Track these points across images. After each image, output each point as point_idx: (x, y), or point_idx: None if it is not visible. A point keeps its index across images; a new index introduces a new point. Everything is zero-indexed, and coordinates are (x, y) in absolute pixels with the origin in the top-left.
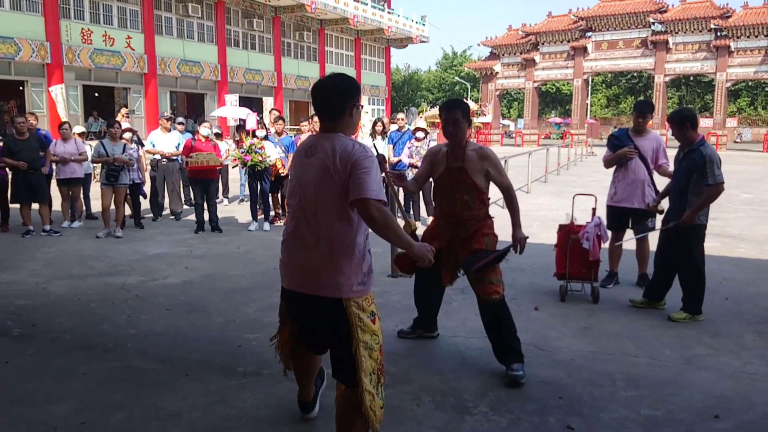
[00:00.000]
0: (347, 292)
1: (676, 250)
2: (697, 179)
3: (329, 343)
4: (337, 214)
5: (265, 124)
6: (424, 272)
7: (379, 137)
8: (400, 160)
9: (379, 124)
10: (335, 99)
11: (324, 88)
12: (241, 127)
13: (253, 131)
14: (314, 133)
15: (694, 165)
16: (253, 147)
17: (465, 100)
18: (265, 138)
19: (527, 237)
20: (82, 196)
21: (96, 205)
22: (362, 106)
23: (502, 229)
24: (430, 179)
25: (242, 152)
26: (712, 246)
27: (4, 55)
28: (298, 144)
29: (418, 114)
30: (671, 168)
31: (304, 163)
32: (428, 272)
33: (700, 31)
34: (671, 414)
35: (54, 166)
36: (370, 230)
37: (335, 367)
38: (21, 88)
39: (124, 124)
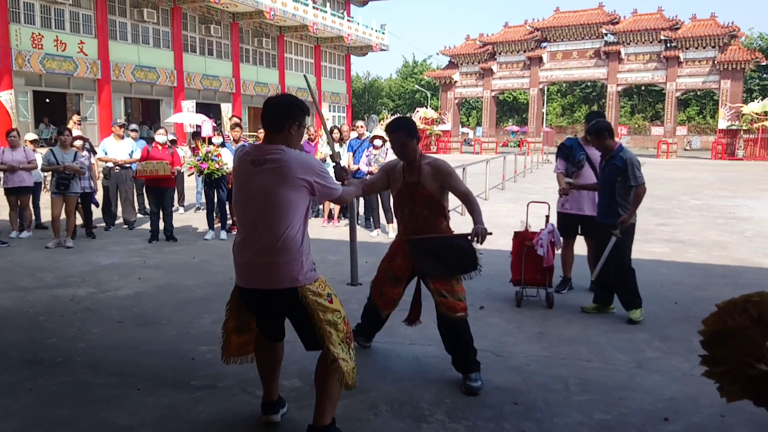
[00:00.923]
0: (302, 281)
1: (618, 249)
2: (621, 182)
3: (295, 326)
4: (285, 217)
5: (222, 131)
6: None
7: (336, 145)
8: (359, 169)
9: (336, 131)
10: (278, 115)
11: (270, 104)
12: (197, 134)
13: (210, 138)
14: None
15: (617, 170)
16: (210, 154)
17: (408, 117)
18: (222, 145)
19: (488, 231)
20: (31, 205)
21: (46, 215)
22: (306, 127)
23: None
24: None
25: (198, 160)
26: (662, 251)
27: None
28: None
29: (379, 122)
30: None
31: (251, 172)
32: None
33: (651, 42)
34: (623, 417)
35: (1, 175)
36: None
37: (305, 342)
38: None
39: (76, 132)
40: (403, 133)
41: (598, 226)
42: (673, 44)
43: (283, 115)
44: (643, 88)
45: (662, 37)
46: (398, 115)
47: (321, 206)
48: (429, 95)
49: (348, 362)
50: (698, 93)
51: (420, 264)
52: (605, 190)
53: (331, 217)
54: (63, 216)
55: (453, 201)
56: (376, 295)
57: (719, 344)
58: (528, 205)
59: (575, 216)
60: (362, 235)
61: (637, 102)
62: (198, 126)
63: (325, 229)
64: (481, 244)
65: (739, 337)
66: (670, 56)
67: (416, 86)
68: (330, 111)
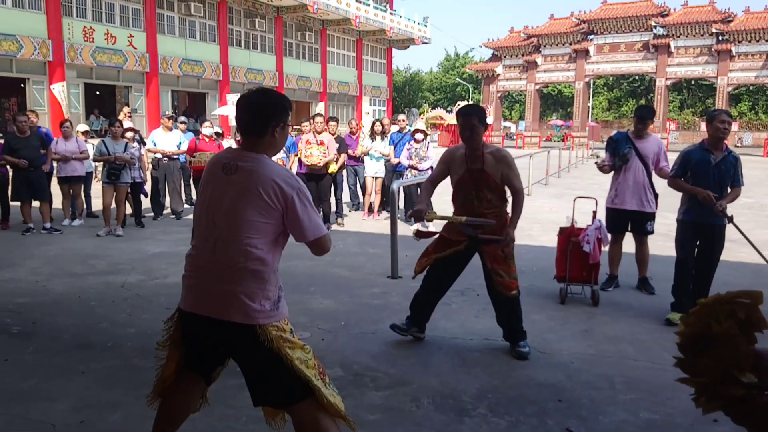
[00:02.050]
0: (262, 319)
1: (714, 252)
2: (732, 181)
3: (249, 373)
4: (252, 239)
5: None
6: (433, 277)
7: (378, 137)
8: (399, 162)
9: (378, 124)
10: (259, 116)
11: (246, 103)
12: None
13: None
14: (315, 133)
15: (731, 167)
16: None
17: (480, 104)
18: None
19: (514, 240)
20: (83, 194)
21: (97, 204)
22: (291, 126)
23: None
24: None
25: None
26: None
27: (5, 52)
28: (299, 144)
29: (419, 115)
30: None
31: (221, 179)
32: (437, 278)
33: (702, 35)
34: (670, 417)
35: (55, 164)
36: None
37: (265, 394)
38: (22, 85)
39: (127, 123)
40: (475, 117)
41: (707, 228)
42: (725, 37)
43: (266, 116)
44: (692, 82)
45: (714, 30)
46: (439, 108)
47: (361, 199)
48: (471, 89)
49: (334, 397)
50: (750, 88)
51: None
52: (716, 188)
53: (371, 210)
54: (113, 205)
55: None
56: (421, 261)
57: (701, 352)
58: (575, 201)
59: (625, 212)
60: (402, 228)
61: (686, 97)
62: None
63: (365, 223)
64: (504, 250)
65: (724, 346)
66: (721, 50)
67: (458, 79)
68: (370, 105)
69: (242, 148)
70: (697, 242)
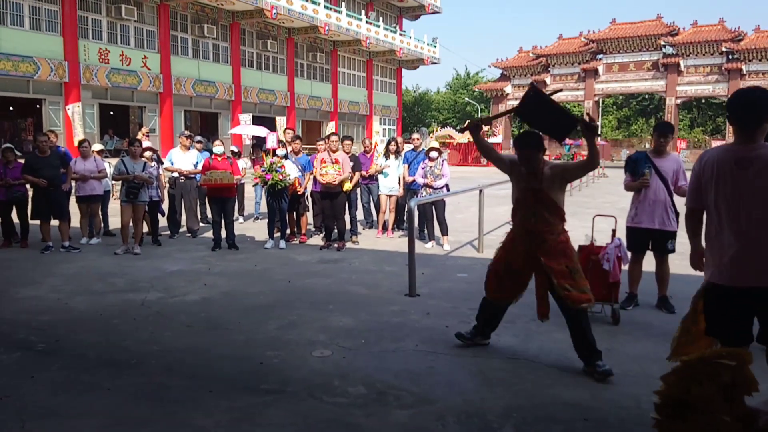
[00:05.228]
0: None
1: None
2: None
3: None
4: None
5: (285, 144)
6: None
7: (392, 156)
8: (414, 180)
9: (393, 143)
10: (758, 111)
11: (752, 99)
12: (257, 146)
13: (274, 150)
14: (330, 152)
15: None
16: (274, 165)
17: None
18: (285, 157)
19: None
20: (100, 213)
21: (114, 222)
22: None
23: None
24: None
25: (263, 171)
26: None
27: (22, 73)
28: (314, 163)
29: (429, 134)
30: None
31: (739, 175)
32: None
33: (712, 54)
34: None
35: (73, 183)
36: None
37: None
38: (38, 106)
39: (145, 143)
40: (533, 148)
41: None
42: (736, 56)
43: (763, 111)
44: (702, 101)
45: (724, 49)
46: (448, 127)
47: (375, 217)
48: (480, 108)
49: None
50: None
51: (524, 110)
52: None
53: (385, 228)
54: (131, 224)
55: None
56: (494, 289)
57: (679, 418)
58: (594, 219)
59: (646, 230)
60: (417, 246)
61: (696, 115)
62: (257, 138)
63: (379, 240)
64: (591, 130)
65: (704, 413)
66: (732, 68)
67: (467, 99)
68: (380, 124)
69: (742, 142)
70: None
